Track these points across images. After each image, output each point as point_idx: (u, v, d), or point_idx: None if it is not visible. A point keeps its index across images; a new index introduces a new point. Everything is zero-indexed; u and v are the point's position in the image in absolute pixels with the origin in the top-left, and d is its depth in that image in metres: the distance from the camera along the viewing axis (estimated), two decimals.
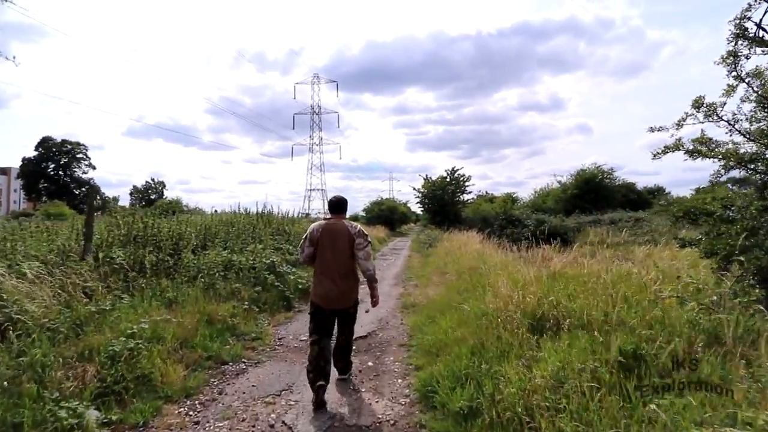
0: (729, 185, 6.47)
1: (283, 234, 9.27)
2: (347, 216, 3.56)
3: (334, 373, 3.44)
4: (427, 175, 22.06)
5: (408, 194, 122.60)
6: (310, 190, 59.34)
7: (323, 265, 3.27)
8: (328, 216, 3.48)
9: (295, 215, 14.62)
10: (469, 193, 21.80)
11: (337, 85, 61.56)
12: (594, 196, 26.03)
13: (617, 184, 27.86)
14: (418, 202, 22.49)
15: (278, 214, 11.10)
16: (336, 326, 3.46)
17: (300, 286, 6.63)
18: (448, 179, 21.51)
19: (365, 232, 3.43)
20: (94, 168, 48.73)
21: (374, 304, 3.53)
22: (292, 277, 6.69)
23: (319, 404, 3.04)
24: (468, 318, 4.15)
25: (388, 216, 32.73)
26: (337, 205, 3.46)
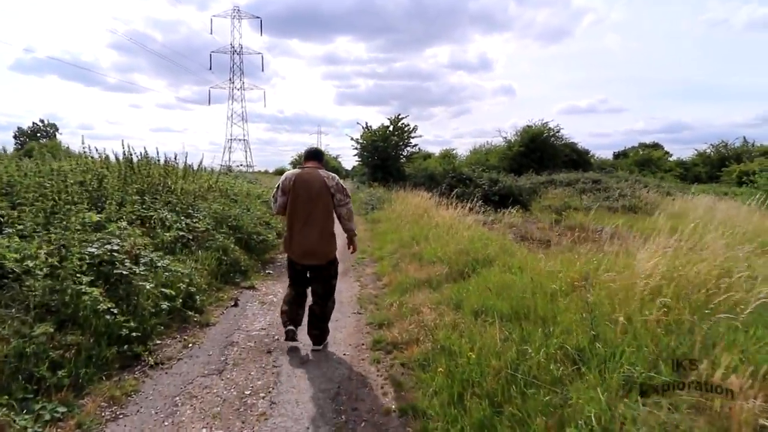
0: None
1: (161, 194, 6.25)
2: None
3: (307, 340, 3.61)
4: (367, 123, 20.38)
5: (338, 149, 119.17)
6: (231, 139, 54.59)
7: (295, 216, 3.30)
8: (303, 165, 3.48)
9: (209, 166, 12.30)
10: (414, 146, 20.61)
11: (261, 22, 55.42)
12: (540, 154, 26.56)
13: (561, 143, 28.56)
14: (355, 155, 20.86)
15: (173, 162, 8.53)
16: (309, 287, 3.54)
17: (164, 307, 3.83)
18: (391, 128, 20.05)
19: (344, 186, 3.42)
20: None
21: (352, 251, 3.82)
22: (148, 286, 3.76)
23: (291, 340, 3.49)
24: None
25: None
26: (314, 153, 3.53)
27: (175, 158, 7.98)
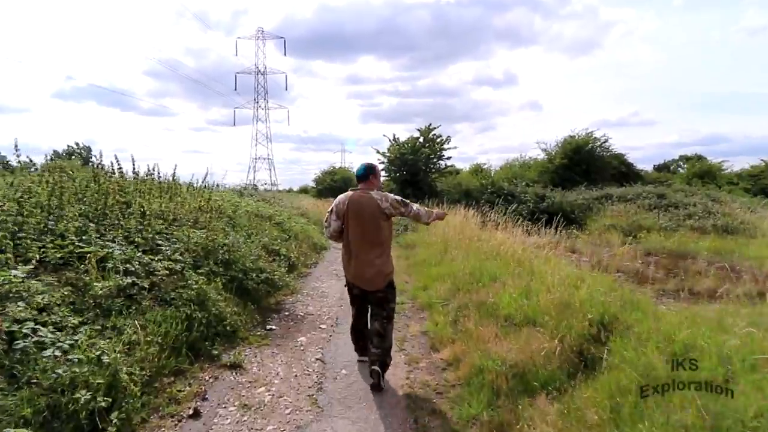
0: None
1: (122, 218, 4.38)
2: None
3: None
4: (394, 135, 18.48)
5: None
6: (256, 159, 54.04)
7: (350, 240, 3.31)
8: (356, 186, 3.44)
9: (224, 184, 10.61)
10: (447, 158, 18.56)
11: (285, 42, 55.24)
12: (586, 167, 23.96)
13: (608, 154, 25.90)
14: (382, 170, 18.88)
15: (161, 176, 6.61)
16: (369, 312, 3.49)
17: None
18: (421, 140, 18.10)
19: (399, 198, 3.38)
20: None
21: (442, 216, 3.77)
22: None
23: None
24: None
25: (341, 188, 29.07)
26: (363, 173, 3.41)
27: (157, 171, 6.17)
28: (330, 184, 29.66)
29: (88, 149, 55.79)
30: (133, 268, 3.62)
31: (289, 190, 48.81)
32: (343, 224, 3.32)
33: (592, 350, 3.35)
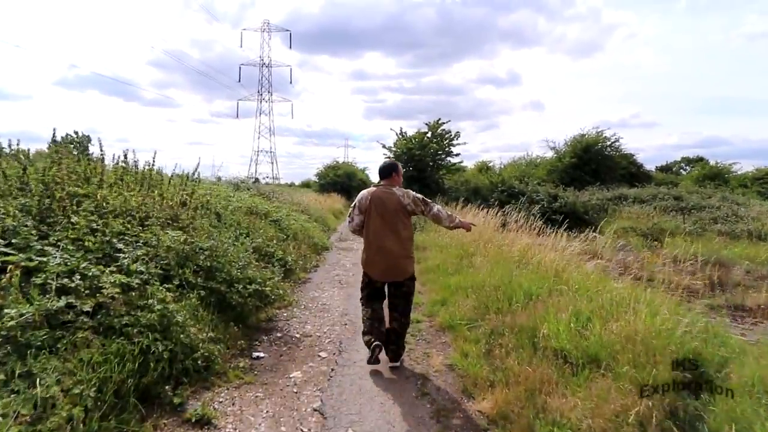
0: None
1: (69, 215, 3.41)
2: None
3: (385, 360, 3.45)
4: (401, 129, 17.51)
5: (366, 162, 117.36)
6: (258, 152, 53.09)
7: (372, 235, 3.37)
8: (379, 183, 3.51)
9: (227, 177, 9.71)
10: (456, 155, 17.57)
11: (290, 35, 54.08)
12: (595, 167, 23.01)
13: (618, 154, 24.89)
14: None
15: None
16: (387, 303, 3.51)
17: None
18: (429, 134, 17.12)
19: (420, 197, 3.44)
20: None
21: (468, 228, 3.75)
22: None
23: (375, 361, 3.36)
24: None
25: (344, 183, 28.43)
26: (385, 170, 3.49)
27: (133, 157, 5.22)
28: (333, 178, 28.67)
29: (88, 138, 54.81)
30: (73, 285, 2.69)
31: (291, 185, 47.88)
32: (366, 219, 3.41)
33: (688, 409, 2.45)
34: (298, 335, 4.11)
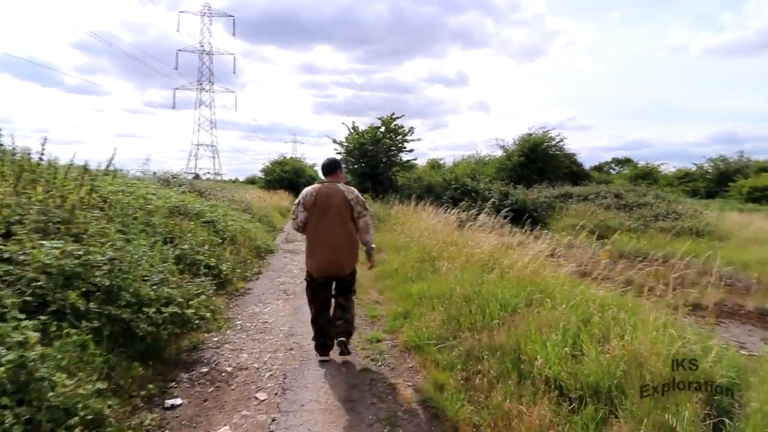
0: None
1: None
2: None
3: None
4: (354, 123, 16.78)
5: (315, 158, 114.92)
6: (198, 145, 49.83)
7: (317, 231, 3.34)
8: (322, 179, 3.52)
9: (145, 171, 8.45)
10: (410, 151, 17.12)
11: (234, 21, 50.97)
12: (542, 166, 23.56)
13: (561, 154, 25.71)
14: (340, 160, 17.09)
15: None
16: (333, 300, 3.49)
17: None
18: (382, 129, 16.52)
19: (363, 200, 3.49)
20: None
21: (370, 267, 3.86)
22: None
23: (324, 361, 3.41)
24: None
25: (292, 180, 27.17)
26: (329, 167, 3.51)
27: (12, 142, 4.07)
28: (280, 174, 27.27)
29: None
30: None
31: (235, 181, 45.45)
32: (310, 216, 3.36)
33: None
34: (229, 368, 3.26)
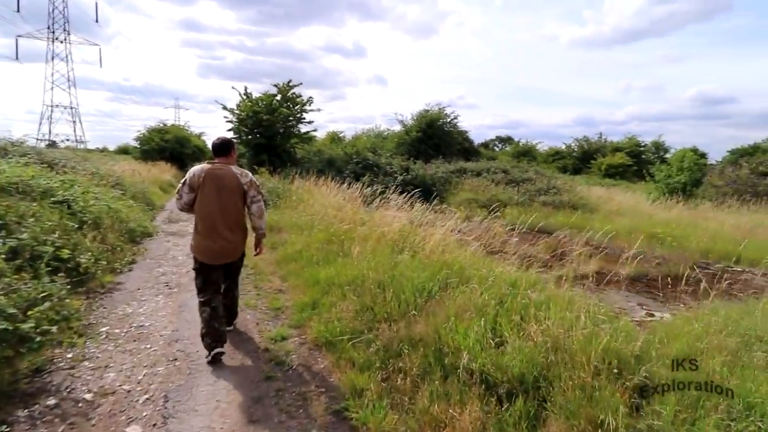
0: None
1: None
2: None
3: None
4: (246, 89, 15.32)
5: (202, 127, 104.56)
6: (52, 107, 41.68)
7: (206, 215, 3.14)
8: (213, 159, 3.25)
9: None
10: (310, 122, 16.26)
11: None
12: (438, 142, 24.53)
13: (455, 131, 27.01)
14: (230, 130, 15.68)
15: None
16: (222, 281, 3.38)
17: None
18: (279, 98, 15.39)
19: (257, 183, 3.34)
20: None
21: (257, 253, 3.55)
22: None
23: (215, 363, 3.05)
24: None
25: (175, 150, 24.31)
26: (222, 147, 3.29)
27: None
28: (159, 144, 24.02)
29: None
30: None
31: (103, 150, 39.31)
32: (198, 197, 3.13)
33: None
34: (89, 396, 2.53)
